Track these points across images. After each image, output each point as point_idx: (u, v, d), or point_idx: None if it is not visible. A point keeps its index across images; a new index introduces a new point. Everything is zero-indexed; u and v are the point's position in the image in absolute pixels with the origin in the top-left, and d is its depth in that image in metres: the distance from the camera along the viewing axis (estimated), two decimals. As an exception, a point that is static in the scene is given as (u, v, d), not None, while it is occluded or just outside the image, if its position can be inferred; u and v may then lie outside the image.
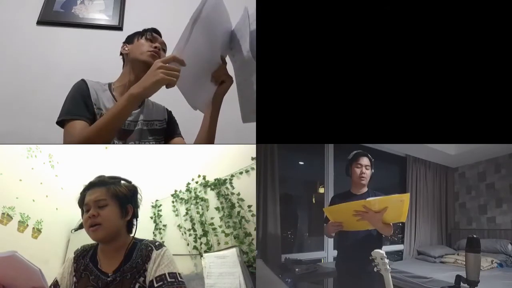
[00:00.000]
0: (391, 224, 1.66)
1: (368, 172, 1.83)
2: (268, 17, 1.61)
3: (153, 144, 1.54)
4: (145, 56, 1.44)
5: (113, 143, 1.40)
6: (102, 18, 2.55)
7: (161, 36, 1.57)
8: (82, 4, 2.58)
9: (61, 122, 1.34)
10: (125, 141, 1.44)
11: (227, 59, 1.38)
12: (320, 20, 1.59)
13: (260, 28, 1.61)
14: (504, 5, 1.52)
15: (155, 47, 1.47)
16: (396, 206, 1.59)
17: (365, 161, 1.84)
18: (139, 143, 1.48)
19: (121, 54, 1.56)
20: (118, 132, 1.37)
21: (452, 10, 1.53)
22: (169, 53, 1.38)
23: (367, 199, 1.58)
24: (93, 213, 1.02)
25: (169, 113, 1.67)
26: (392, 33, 1.55)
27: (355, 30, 1.57)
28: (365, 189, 1.85)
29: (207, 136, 1.49)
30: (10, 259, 0.90)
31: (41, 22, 2.46)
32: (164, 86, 1.22)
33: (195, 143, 1.54)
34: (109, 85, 1.50)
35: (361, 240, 1.73)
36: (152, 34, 1.52)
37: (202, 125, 1.50)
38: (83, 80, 1.42)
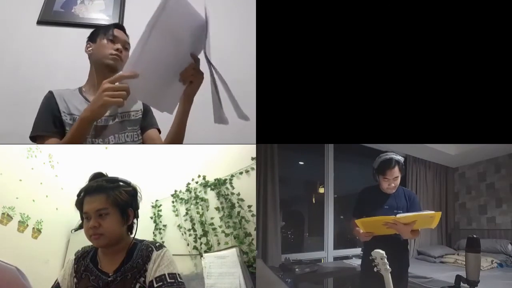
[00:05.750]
0: (418, 229, 1.61)
1: (397, 182, 1.70)
2: (268, 17, 1.61)
3: (131, 135, 1.51)
4: (107, 60, 1.45)
5: (91, 142, 1.39)
6: (102, 18, 2.54)
7: (125, 31, 1.56)
8: (82, 4, 2.57)
9: (33, 137, 1.41)
10: (101, 137, 1.42)
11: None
12: (320, 20, 1.59)
13: (260, 28, 1.61)
14: (504, 5, 1.52)
15: (117, 49, 1.46)
16: (426, 220, 1.57)
17: (394, 173, 1.66)
18: (117, 136, 1.46)
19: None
20: (94, 129, 1.39)
21: (452, 10, 1.53)
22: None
23: (397, 216, 1.52)
24: (94, 224, 1.01)
25: (145, 104, 1.63)
26: (393, 33, 1.55)
27: (355, 30, 1.56)
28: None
29: (175, 138, 1.45)
30: None
31: (41, 22, 2.45)
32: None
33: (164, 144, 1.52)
34: (79, 89, 1.52)
35: (388, 240, 1.63)
36: (113, 34, 1.49)
37: (171, 126, 1.46)
38: (50, 92, 1.45)
